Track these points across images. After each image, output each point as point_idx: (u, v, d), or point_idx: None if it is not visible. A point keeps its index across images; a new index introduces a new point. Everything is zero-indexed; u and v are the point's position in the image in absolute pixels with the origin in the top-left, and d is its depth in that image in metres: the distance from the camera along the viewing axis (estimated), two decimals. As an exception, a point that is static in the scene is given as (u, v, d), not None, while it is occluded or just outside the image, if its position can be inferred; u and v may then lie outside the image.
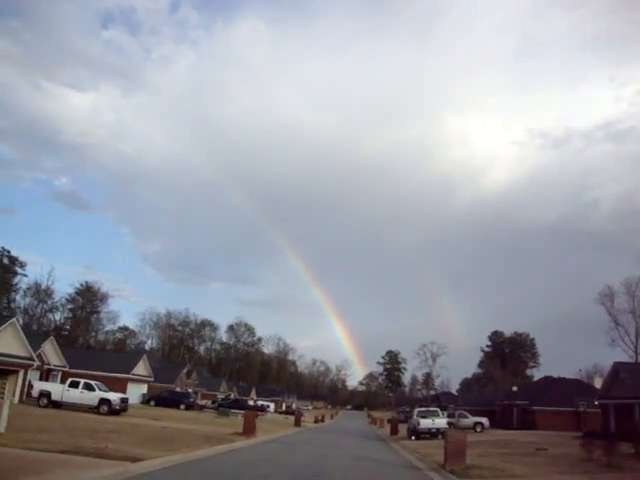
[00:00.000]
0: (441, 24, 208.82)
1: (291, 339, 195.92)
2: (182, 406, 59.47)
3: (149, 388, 66.00)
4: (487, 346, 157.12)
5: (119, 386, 58.87)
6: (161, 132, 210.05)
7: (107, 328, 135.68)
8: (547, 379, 73.27)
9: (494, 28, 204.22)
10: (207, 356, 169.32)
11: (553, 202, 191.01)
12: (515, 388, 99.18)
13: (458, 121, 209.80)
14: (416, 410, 43.99)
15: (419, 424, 40.75)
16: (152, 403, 60.26)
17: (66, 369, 56.96)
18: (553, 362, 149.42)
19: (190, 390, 73.19)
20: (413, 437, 40.65)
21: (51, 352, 54.60)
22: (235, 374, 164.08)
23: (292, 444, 31.51)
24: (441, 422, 41.02)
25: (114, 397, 38.58)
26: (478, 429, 52.32)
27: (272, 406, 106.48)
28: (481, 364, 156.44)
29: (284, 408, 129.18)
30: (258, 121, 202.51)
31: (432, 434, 40.87)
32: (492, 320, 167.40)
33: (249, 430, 32.38)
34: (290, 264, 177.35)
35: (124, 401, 39.55)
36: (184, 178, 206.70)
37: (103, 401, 38.15)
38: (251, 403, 73.45)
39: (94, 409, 37.75)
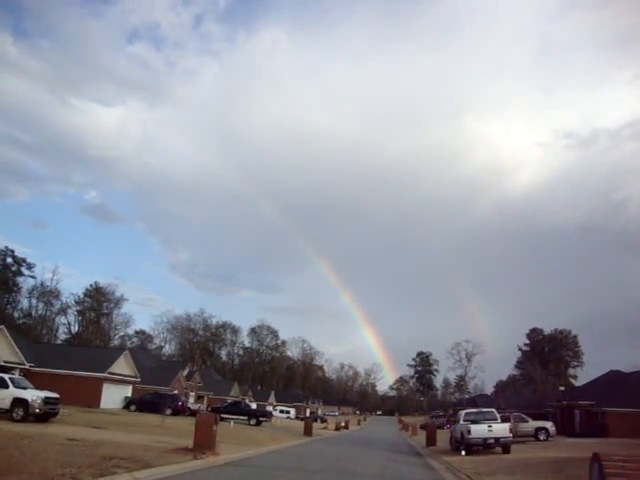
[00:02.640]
0: (462, 28, 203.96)
1: (320, 346, 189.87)
2: (168, 411, 47.09)
3: (135, 390, 53.62)
4: (525, 344, 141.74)
5: (93, 388, 47.08)
6: (187, 144, 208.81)
7: (122, 333, 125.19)
8: (615, 374, 58.80)
9: (516, 30, 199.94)
10: (229, 360, 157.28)
11: (580, 202, 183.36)
12: (562, 388, 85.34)
13: (482, 124, 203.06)
14: (463, 413, 30.56)
15: (469, 432, 27.30)
16: (132, 408, 48.00)
17: (24, 366, 45.12)
18: (598, 361, 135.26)
19: (185, 393, 60.55)
20: (463, 452, 27.15)
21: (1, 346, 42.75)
22: (258, 379, 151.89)
23: (267, 470, 18.61)
24: (501, 429, 27.60)
25: (33, 396, 25.99)
26: (541, 437, 38.62)
27: (292, 412, 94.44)
28: (518, 365, 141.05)
29: (308, 414, 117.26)
30: (282, 130, 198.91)
31: (488, 446, 27.56)
32: (527, 320, 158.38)
33: (204, 444, 19.67)
34: (318, 271, 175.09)
35: (50, 402, 26.94)
36: (211, 188, 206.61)
37: (17, 402, 25.69)
38: (255, 407, 60.50)
39: (5, 413, 25.41)
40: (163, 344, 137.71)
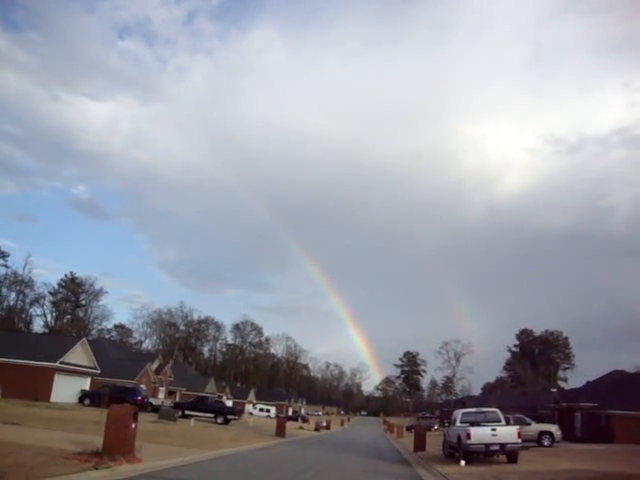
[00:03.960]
0: (456, 31, 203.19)
1: (307, 345, 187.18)
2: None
3: (94, 383, 47.89)
4: (515, 346, 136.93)
5: (42, 379, 41.35)
6: (177, 141, 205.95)
7: (100, 326, 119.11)
8: (619, 374, 53.83)
9: (508, 35, 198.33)
10: (211, 357, 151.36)
11: (568, 208, 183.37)
12: (554, 390, 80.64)
13: (472, 128, 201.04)
14: (460, 413, 25.16)
15: (468, 436, 21.88)
16: (87, 402, 42.31)
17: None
18: (588, 364, 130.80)
19: (154, 387, 54.77)
20: (462, 461, 21.66)
21: None
22: (242, 377, 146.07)
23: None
24: (508, 433, 22.20)
25: None
26: (546, 442, 33.30)
27: (273, 410, 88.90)
28: (508, 366, 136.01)
29: (290, 413, 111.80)
30: (273, 129, 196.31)
31: (491, 453, 22.28)
32: (516, 322, 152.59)
33: (116, 447, 14.35)
34: (306, 271, 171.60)
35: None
36: (200, 186, 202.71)
37: None
38: (229, 402, 54.67)
39: None
40: (143, 338, 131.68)
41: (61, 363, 43.03)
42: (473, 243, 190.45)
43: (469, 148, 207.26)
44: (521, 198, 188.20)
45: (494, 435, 21.92)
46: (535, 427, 34.08)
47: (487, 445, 21.82)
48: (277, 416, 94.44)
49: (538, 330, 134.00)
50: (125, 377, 53.58)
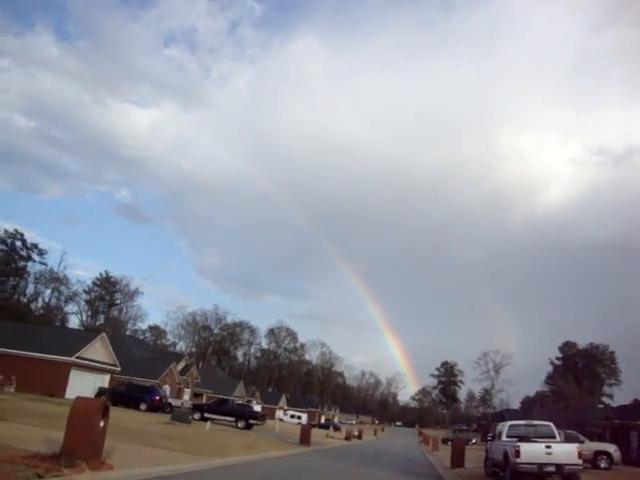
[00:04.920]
0: (498, 41, 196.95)
1: (343, 354, 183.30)
2: (143, 405, 38.83)
3: (114, 381, 45.53)
4: (557, 358, 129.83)
5: (58, 374, 39.09)
6: (219, 148, 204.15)
7: (135, 327, 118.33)
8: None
9: (551, 44, 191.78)
10: (245, 361, 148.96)
11: (611, 220, 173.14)
12: (601, 405, 74.99)
13: (515, 138, 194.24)
14: (507, 425, 21.33)
15: (517, 454, 18.12)
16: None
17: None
18: (636, 381, 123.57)
19: (178, 388, 52.07)
20: (510, 482, 17.94)
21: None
22: (274, 382, 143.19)
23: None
24: (566, 452, 18.35)
25: None
26: (602, 464, 28.99)
27: (304, 417, 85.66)
28: (549, 380, 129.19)
29: (322, 421, 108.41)
30: (313, 137, 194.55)
31: (544, 475, 18.43)
32: (558, 335, 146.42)
33: (79, 449, 11.26)
34: (344, 279, 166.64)
35: None
36: (240, 193, 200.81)
37: None
38: (258, 407, 51.40)
39: None
40: (177, 340, 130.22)
41: (78, 358, 40.73)
42: (514, 253, 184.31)
43: (511, 158, 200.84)
44: (564, 209, 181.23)
45: (549, 454, 18.07)
46: (590, 446, 29.71)
47: (540, 465, 17.97)
48: (309, 423, 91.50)
49: (582, 343, 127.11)
50: (148, 376, 51.20)
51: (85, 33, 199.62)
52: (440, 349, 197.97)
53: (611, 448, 30.36)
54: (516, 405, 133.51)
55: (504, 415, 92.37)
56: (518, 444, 18.41)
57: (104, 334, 46.94)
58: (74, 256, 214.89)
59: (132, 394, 39.51)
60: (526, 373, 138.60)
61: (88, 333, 50.26)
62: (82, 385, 41.04)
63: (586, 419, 57.71)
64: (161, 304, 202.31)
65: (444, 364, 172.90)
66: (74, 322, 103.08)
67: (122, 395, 39.74)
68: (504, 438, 20.43)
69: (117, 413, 33.38)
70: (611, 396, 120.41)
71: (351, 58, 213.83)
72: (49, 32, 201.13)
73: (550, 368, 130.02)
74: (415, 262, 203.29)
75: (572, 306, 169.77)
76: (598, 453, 29.52)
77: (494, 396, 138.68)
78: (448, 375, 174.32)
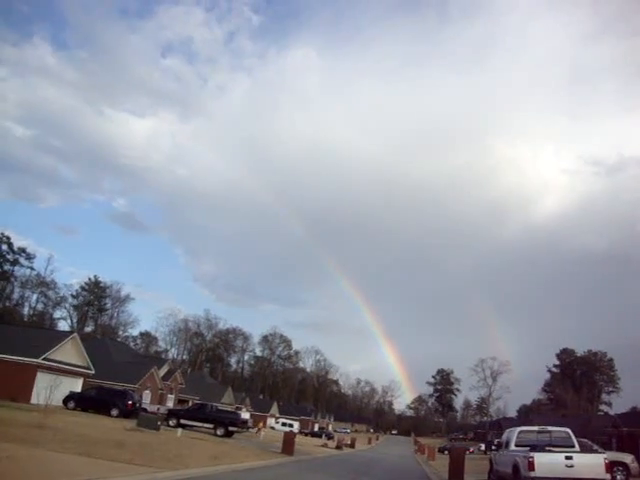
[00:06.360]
0: (493, 51, 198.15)
1: (339, 362, 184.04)
2: (114, 411, 35.16)
3: (87, 385, 41.78)
4: (555, 366, 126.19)
5: (22, 377, 35.45)
6: (216, 157, 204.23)
7: (126, 333, 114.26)
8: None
9: (546, 55, 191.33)
10: (238, 369, 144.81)
11: (606, 230, 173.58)
12: (602, 413, 71.53)
13: (510, 148, 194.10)
14: (516, 432, 17.88)
15: (531, 466, 14.66)
16: (71, 405, 36.11)
17: None
18: (634, 389, 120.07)
19: (160, 394, 48.20)
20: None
21: None
22: (268, 390, 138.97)
23: None
24: (590, 464, 15.03)
25: None
26: (619, 476, 25.48)
27: (296, 426, 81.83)
28: (547, 388, 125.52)
29: (316, 429, 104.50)
30: (310, 147, 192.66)
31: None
32: (555, 343, 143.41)
33: None
34: (340, 287, 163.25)
35: None
36: (237, 202, 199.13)
37: None
38: (247, 415, 47.39)
39: None
40: (169, 347, 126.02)
41: (45, 360, 37.09)
42: (510, 262, 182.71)
43: (507, 168, 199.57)
44: (559, 219, 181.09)
45: (570, 466, 14.71)
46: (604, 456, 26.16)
47: (561, 481, 14.55)
48: (301, 431, 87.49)
49: (580, 350, 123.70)
50: (127, 381, 47.46)
51: (83, 43, 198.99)
52: (436, 357, 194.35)
53: (628, 458, 26.81)
54: (513, 413, 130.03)
55: (501, 424, 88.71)
56: (532, 454, 15.00)
57: (76, 334, 43.31)
58: (70, 264, 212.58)
59: (103, 399, 35.85)
60: (523, 381, 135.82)
61: (58, 333, 46.51)
62: (57, 390, 37.38)
63: (588, 427, 54.26)
64: (157, 312, 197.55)
65: (440, 372, 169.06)
66: (63, 328, 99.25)
67: (92, 400, 36.13)
68: (513, 447, 17.04)
69: (81, 419, 29.92)
70: (610, 404, 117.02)
71: (348, 68, 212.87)
72: (47, 42, 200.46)
73: (548, 376, 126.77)
74: (411, 270, 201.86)
75: (569, 314, 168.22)
76: (613, 464, 25.87)
77: (491, 404, 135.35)
78: (444, 383, 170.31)
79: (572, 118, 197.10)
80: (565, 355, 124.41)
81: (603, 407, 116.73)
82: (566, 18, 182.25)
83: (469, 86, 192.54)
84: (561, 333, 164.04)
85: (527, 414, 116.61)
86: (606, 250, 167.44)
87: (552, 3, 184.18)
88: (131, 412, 35.73)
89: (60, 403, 35.96)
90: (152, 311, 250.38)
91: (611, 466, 25.60)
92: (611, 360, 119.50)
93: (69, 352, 40.07)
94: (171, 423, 35.67)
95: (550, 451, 15.43)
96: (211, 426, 35.65)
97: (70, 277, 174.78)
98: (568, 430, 17.40)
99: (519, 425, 52.71)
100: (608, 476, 14.96)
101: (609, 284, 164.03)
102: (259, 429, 53.86)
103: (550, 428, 17.88)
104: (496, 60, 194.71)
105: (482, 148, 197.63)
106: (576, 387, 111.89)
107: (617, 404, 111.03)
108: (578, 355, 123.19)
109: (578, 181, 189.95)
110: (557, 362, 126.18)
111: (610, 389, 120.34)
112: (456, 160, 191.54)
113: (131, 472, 13.31)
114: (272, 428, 78.60)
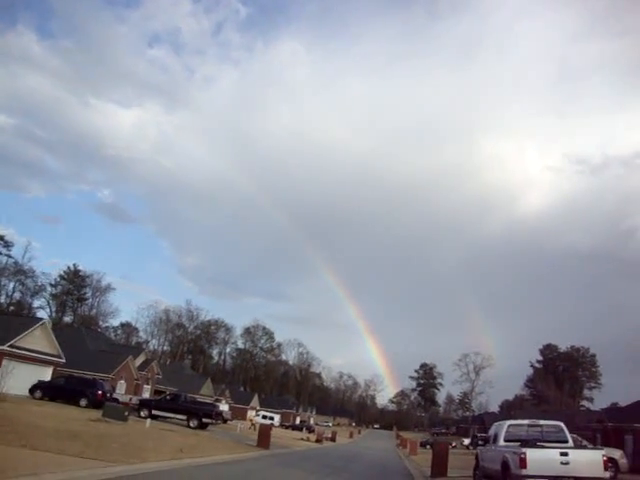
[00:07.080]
0: (481, 49, 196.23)
1: (322, 356, 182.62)
2: (83, 401, 33.41)
3: (57, 374, 39.85)
4: (538, 361, 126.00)
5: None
6: (202, 149, 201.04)
7: (107, 323, 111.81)
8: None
9: (533, 54, 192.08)
10: (220, 361, 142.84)
11: (589, 228, 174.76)
12: (583, 408, 71.02)
13: (496, 145, 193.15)
14: (505, 426, 16.48)
15: (523, 463, 13.28)
16: (37, 394, 34.26)
17: None
18: (616, 385, 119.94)
19: (136, 385, 46.39)
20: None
21: None
22: (250, 382, 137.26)
23: None
24: (587, 461, 13.70)
25: None
26: (608, 473, 24.19)
27: (277, 419, 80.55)
28: (529, 383, 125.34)
29: (297, 422, 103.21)
30: (297, 141, 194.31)
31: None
32: (538, 339, 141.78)
33: None
34: (324, 282, 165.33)
35: None
36: (223, 194, 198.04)
37: None
38: (226, 407, 45.66)
39: None
40: (150, 338, 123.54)
41: (11, 347, 35.15)
42: (493, 258, 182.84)
43: (492, 165, 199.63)
44: (543, 216, 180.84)
45: (565, 463, 13.32)
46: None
47: (554, 479, 13.16)
48: (282, 424, 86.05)
49: (563, 346, 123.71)
50: (101, 370, 45.68)
51: (69, 32, 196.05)
52: (420, 351, 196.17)
53: (617, 454, 25.74)
54: (495, 409, 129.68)
55: (484, 418, 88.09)
56: (523, 450, 13.57)
57: (45, 321, 41.37)
58: (54, 255, 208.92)
59: (72, 388, 34.10)
60: (506, 376, 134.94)
61: (27, 320, 44.38)
62: (18, 379, 35.42)
63: (572, 422, 53.38)
64: (141, 304, 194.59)
65: (423, 366, 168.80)
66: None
67: (61, 389, 34.40)
68: (501, 442, 15.62)
69: (45, 409, 28.13)
70: (591, 399, 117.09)
71: (335, 63, 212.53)
72: (31, 30, 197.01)
73: (530, 371, 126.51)
74: (396, 265, 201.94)
75: (553, 310, 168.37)
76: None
77: (474, 398, 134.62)
78: (427, 377, 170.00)
79: (557, 116, 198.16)
80: (548, 350, 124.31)
81: (584, 403, 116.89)
82: (554, 16, 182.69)
83: (456, 83, 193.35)
84: (545, 329, 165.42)
85: (509, 409, 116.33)
86: (590, 248, 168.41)
87: (540, 1, 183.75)
88: (101, 402, 33.88)
89: (23, 393, 34.21)
90: (136, 302, 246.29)
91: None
92: (594, 356, 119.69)
93: (38, 339, 38.13)
94: (142, 414, 34.01)
95: (543, 447, 14.05)
96: (184, 417, 34.05)
97: (53, 268, 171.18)
98: (561, 424, 16.09)
99: (502, 420, 51.30)
100: (607, 474, 13.72)
101: (593, 281, 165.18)
102: (253, 424, 52.14)
103: (542, 422, 16.50)
104: (484, 58, 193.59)
105: (468, 145, 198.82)
106: (558, 383, 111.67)
107: (598, 400, 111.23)
108: (561, 351, 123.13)
109: (562, 179, 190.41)
110: (540, 357, 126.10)
111: (592, 385, 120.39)
112: (442, 156, 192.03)
113: (74, 467, 11.74)
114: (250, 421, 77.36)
